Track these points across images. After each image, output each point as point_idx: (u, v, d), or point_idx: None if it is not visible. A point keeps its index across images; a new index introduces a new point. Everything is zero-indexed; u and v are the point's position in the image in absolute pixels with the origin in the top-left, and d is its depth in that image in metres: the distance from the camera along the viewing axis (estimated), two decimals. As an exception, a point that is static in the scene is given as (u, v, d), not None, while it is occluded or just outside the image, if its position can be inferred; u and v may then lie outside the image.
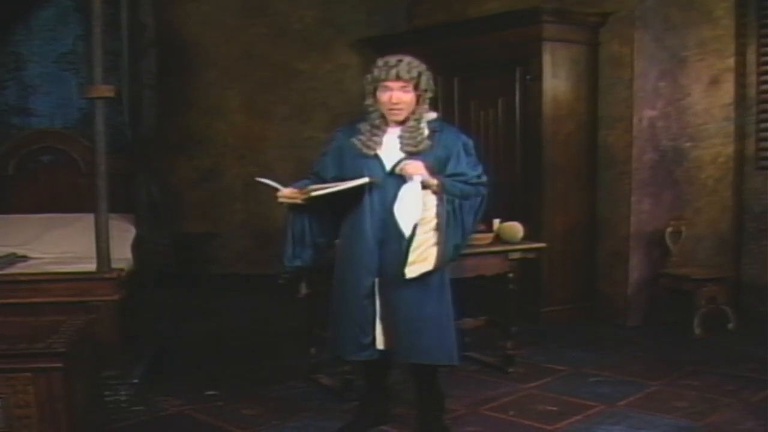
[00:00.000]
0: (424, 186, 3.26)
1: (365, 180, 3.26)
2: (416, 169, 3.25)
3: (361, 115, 3.43)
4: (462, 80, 6.26)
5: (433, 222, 3.24)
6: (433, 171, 3.27)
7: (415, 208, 3.25)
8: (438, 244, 3.23)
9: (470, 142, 3.44)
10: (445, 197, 3.25)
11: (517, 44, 5.77)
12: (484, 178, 3.39)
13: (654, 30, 5.72)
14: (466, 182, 3.33)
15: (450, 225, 3.25)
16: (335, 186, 3.28)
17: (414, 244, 3.25)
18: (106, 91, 3.85)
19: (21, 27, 5.02)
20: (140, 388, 4.09)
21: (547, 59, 5.66)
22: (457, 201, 3.28)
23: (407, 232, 3.26)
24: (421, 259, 3.24)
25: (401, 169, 3.26)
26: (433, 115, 3.40)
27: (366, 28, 7.37)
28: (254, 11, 7.65)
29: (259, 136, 7.75)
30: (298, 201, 3.35)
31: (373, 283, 3.35)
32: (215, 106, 7.69)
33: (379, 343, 3.39)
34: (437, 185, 3.25)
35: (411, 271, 3.25)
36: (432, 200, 3.25)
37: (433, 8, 7.07)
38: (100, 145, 3.84)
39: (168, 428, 3.81)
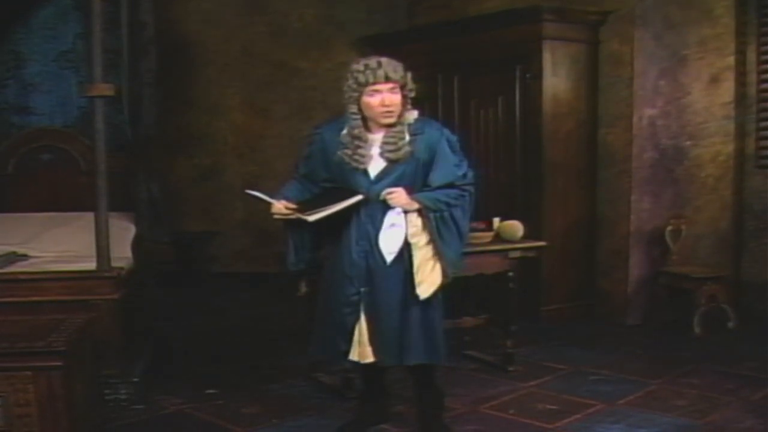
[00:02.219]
0: (407, 210, 3.25)
1: (359, 198, 3.23)
2: (399, 201, 3.22)
3: (343, 115, 3.32)
4: (462, 78, 6.25)
5: (424, 238, 3.24)
6: (411, 192, 3.24)
7: (398, 239, 3.26)
8: (438, 256, 3.24)
9: (454, 138, 3.35)
10: (431, 215, 3.23)
11: (517, 42, 5.77)
12: (469, 176, 3.33)
13: (654, 28, 5.71)
14: (452, 188, 3.28)
15: (444, 236, 3.25)
16: (329, 209, 3.22)
17: (416, 263, 3.24)
18: (105, 89, 3.85)
19: (21, 25, 5.02)
20: (140, 387, 4.09)
21: (547, 57, 5.66)
22: (446, 213, 3.26)
23: (388, 259, 3.27)
24: (428, 277, 3.24)
25: (386, 199, 3.23)
26: (414, 114, 3.31)
27: (366, 27, 7.36)
28: (254, 9, 7.64)
29: (259, 135, 7.74)
30: (291, 217, 3.31)
31: (357, 292, 3.31)
32: (215, 105, 7.69)
33: (363, 357, 3.34)
34: (419, 207, 3.23)
35: (423, 291, 3.25)
36: (418, 220, 3.24)
37: (434, 6, 7.07)
38: (99, 144, 3.83)
39: (168, 427, 3.81)
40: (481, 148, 5.94)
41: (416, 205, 3.23)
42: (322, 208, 3.23)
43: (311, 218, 3.23)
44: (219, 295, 7.06)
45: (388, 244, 3.27)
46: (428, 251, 3.25)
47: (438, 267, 3.25)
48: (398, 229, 3.27)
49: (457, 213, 3.29)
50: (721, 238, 6.12)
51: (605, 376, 4.53)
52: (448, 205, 3.27)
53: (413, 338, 3.29)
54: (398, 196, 3.21)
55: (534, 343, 5.15)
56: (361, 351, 3.33)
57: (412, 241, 3.25)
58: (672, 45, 5.81)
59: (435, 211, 3.24)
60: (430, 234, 3.24)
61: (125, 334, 4.02)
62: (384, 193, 3.21)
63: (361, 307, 3.31)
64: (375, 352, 3.32)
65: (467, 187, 3.32)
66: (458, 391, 4.18)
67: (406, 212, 3.25)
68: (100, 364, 3.74)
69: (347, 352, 3.35)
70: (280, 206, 3.31)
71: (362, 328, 3.32)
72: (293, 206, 3.30)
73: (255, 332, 5.75)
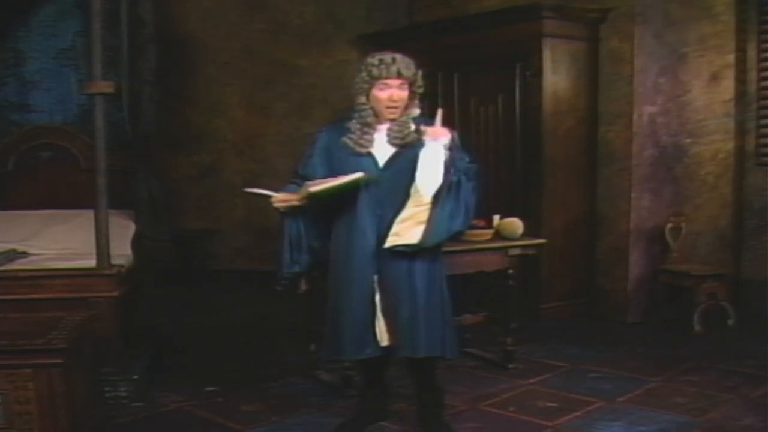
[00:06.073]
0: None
1: (361, 174, 3.23)
2: (443, 133, 3.21)
3: (346, 113, 3.40)
4: (462, 76, 6.25)
5: (429, 197, 3.22)
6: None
7: (438, 172, 3.20)
8: (430, 221, 3.21)
9: (455, 134, 3.39)
10: (452, 169, 3.22)
11: (517, 40, 5.77)
12: (476, 166, 3.38)
13: (654, 26, 5.71)
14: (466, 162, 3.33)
15: (450, 200, 3.22)
16: (333, 181, 3.24)
17: (402, 214, 3.25)
18: (105, 87, 3.85)
19: (21, 23, 5.01)
20: (140, 385, 4.09)
21: (547, 55, 5.66)
22: (462, 176, 3.26)
23: (428, 197, 3.22)
24: (405, 232, 3.23)
25: (430, 135, 3.21)
26: (417, 111, 3.39)
27: (366, 24, 7.36)
28: (254, 7, 7.64)
29: (259, 133, 7.74)
30: (295, 203, 3.30)
31: (373, 280, 3.34)
32: (215, 103, 7.69)
33: (382, 340, 3.36)
34: (452, 141, 3.22)
35: (391, 242, 3.24)
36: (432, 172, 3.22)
37: (434, 4, 7.06)
38: (99, 141, 3.83)
39: (167, 424, 3.81)
40: (481, 146, 5.93)
41: (449, 136, 3.21)
42: (325, 181, 3.24)
43: (314, 189, 3.21)
44: (219, 293, 7.07)
45: (428, 181, 3.21)
46: (423, 211, 3.22)
47: (420, 229, 3.22)
48: (434, 164, 3.20)
49: (468, 186, 3.27)
50: (721, 236, 6.12)
51: (605, 373, 4.53)
52: (466, 173, 3.27)
53: (427, 330, 3.30)
54: (442, 129, 3.20)
55: (534, 341, 5.15)
56: (381, 335, 3.35)
57: (417, 191, 3.23)
58: (672, 42, 5.81)
59: (457, 169, 3.22)
60: (439, 191, 3.20)
61: (125, 331, 4.02)
62: (429, 131, 3.20)
63: (377, 293, 3.33)
64: (392, 338, 3.35)
65: (475, 171, 3.35)
66: (458, 388, 4.18)
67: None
68: (100, 362, 3.74)
69: (369, 342, 3.34)
70: (280, 195, 3.33)
71: (379, 314, 3.34)
72: (294, 196, 3.31)
73: (255, 330, 5.75)
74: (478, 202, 3.37)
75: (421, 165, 3.22)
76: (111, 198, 3.87)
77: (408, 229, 3.24)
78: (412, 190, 3.25)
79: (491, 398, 4.12)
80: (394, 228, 3.25)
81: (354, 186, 3.26)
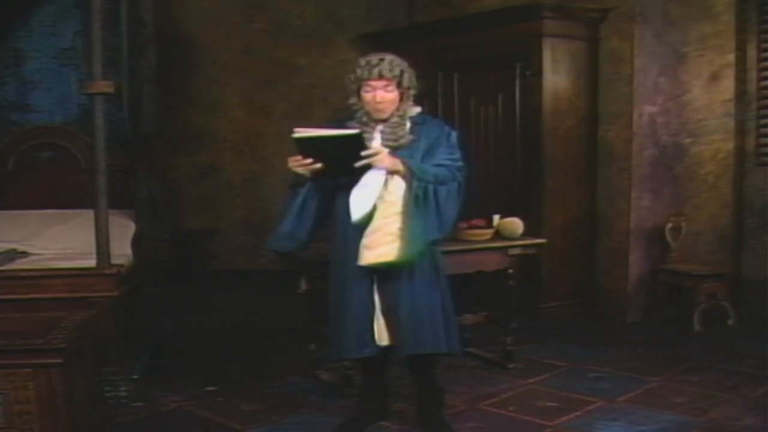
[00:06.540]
0: (392, 172, 3.25)
1: (356, 131, 3.22)
2: (382, 161, 3.23)
3: (347, 112, 3.43)
4: (462, 76, 6.25)
5: (398, 207, 3.24)
6: (401, 157, 3.26)
7: (367, 199, 3.25)
8: (403, 237, 3.20)
9: (453, 133, 3.43)
10: (415, 183, 3.23)
11: (517, 40, 5.76)
12: (459, 163, 3.37)
13: (654, 26, 5.71)
14: (439, 165, 3.31)
15: (419, 209, 3.23)
16: (320, 131, 3.24)
17: (372, 226, 3.25)
18: (105, 86, 3.85)
19: (21, 23, 5.01)
20: (140, 384, 4.10)
21: (547, 55, 5.65)
22: (430, 186, 3.26)
23: (354, 218, 3.26)
24: (375, 245, 3.23)
25: (371, 161, 3.21)
26: (417, 109, 3.41)
27: (366, 24, 7.36)
28: (254, 7, 7.65)
29: (259, 132, 7.74)
30: (305, 163, 3.28)
31: (371, 279, 3.34)
32: (215, 102, 7.69)
33: (381, 340, 3.37)
34: (404, 170, 3.24)
35: (366, 259, 3.24)
36: (399, 184, 3.25)
37: (434, 4, 7.06)
38: (99, 141, 3.83)
39: (168, 424, 3.82)
40: (481, 146, 5.94)
41: (401, 167, 3.24)
42: (311, 129, 3.26)
43: (296, 135, 3.25)
44: (219, 293, 7.07)
45: (357, 202, 3.27)
46: (393, 222, 3.23)
47: (393, 245, 3.22)
48: (369, 188, 3.26)
49: (442, 191, 3.29)
50: (721, 236, 6.12)
51: (605, 373, 4.53)
52: (435, 179, 3.27)
53: (430, 327, 3.31)
54: (382, 156, 3.23)
55: (534, 341, 5.15)
56: (380, 334, 3.36)
57: (383, 203, 3.25)
58: (672, 42, 5.81)
59: (419, 180, 3.24)
60: (405, 205, 3.23)
61: (125, 331, 4.02)
62: (368, 151, 3.20)
63: (375, 293, 3.34)
64: (392, 338, 3.36)
65: (456, 172, 3.34)
66: (458, 388, 4.18)
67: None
68: (100, 362, 3.74)
69: (368, 341, 3.35)
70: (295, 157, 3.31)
71: (378, 313, 3.35)
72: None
73: (255, 329, 5.75)
74: (461, 202, 3.38)
75: (358, 188, 3.26)
76: (111, 198, 3.87)
77: (378, 242, 3.24)
78: (378, 201, 3.27)
79: (491, 398, 4.12)
80: (364, 240, 3.25)
81: (345, 141, 3.19)
